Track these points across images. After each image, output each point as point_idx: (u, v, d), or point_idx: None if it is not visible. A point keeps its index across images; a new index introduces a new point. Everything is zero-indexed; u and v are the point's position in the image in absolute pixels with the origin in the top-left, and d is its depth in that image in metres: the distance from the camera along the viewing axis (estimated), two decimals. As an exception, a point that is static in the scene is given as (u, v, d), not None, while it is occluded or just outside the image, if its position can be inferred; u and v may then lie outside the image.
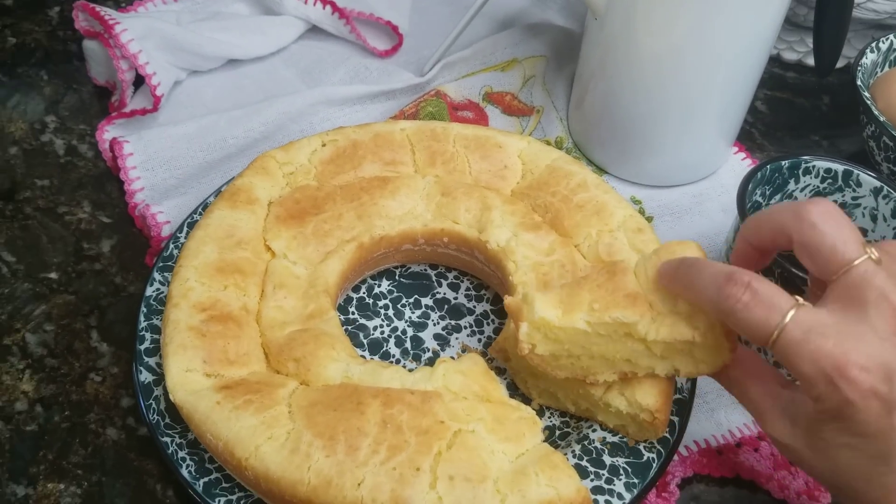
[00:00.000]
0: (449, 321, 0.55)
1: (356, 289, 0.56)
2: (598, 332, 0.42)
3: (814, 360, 0.34)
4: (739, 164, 0.67)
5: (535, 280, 0.50)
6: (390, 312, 0.55)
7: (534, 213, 0.54)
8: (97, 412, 0.49)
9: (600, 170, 0.65)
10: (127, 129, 0.64)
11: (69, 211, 0.60)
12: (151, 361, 0.48)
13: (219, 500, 0.43)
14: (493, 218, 0.53)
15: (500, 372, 0.52)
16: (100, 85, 0.69)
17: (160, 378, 0.47)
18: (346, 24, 0.72)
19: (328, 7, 0.71)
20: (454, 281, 0.57)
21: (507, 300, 0.44)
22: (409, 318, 0.54)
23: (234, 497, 0.44)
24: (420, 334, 0.54)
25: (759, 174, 0.51)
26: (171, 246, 0.54)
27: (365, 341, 0.53)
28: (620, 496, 0.44)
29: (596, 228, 0.52)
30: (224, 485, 0.44)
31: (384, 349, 0.53)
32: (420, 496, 0.39)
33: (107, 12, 0.64)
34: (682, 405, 0.47)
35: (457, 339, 0.54)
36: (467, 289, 0.57)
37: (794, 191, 0.54)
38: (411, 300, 0.56)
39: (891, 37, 0.67)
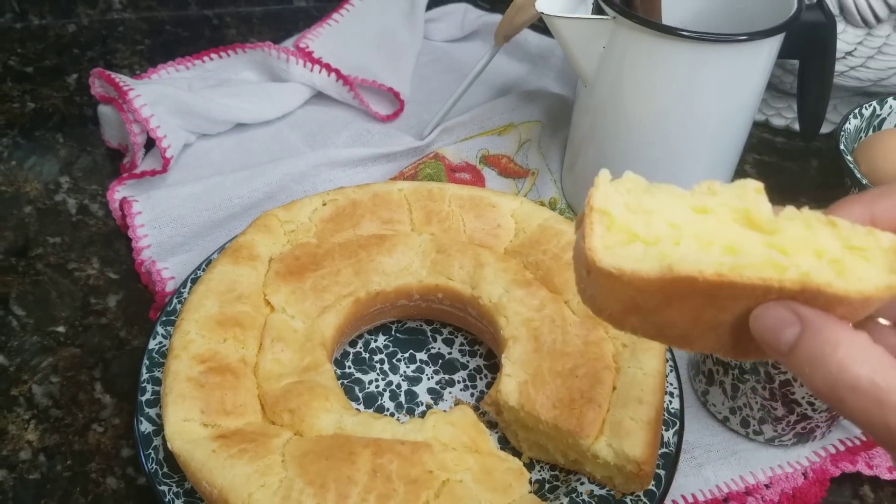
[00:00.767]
0: (443, 375, 0.56)
1: (353, 343, 0.57)
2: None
3: None
4: (729, 225, 0.69)
5: (526, 334, 0.51)
6: (385, 367, 0.56)
7: (525, 270, 0.55)
8: (98, 462, 0.51)
9: (593, 230, 0.67)
10: (137, 190, 0.66)
11: (78, 267, 0.62)
12: (152, 412, 0.49)
13: (212, 549, 0.44)
14: (486, 275, 0.54)
15: (491, 426, 0.53)
16: (112, 148, 0.72)
17: (160, 428, 0.48)
18: (350, 91, 0.75)
19: (333, 74, 0.75)
20: (449, 336, 0.58)
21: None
22: (404, 372, 0.56)
23: (227, 546, 0.45)
24: (414, 388, 0.55)
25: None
26: (175, 301, 0.55)
27: (360, 395, 0.54)
28: (607, 548, 0.45)
29: (585, 285, 0.54)
30: (218, 533, 0.45)
31: (379, 403, 0.54)
32: (407, 544, 0.40)
33: (121, 79, 0.68)
34: (668, 458, 0.48)
35: (450, 393, 0.55)
36: (461, 344, 0.58)
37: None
38: (406, 355, 0.57)
39: (873, 103, 0.69)
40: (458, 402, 0.54)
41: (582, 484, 0.48)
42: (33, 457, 0.51)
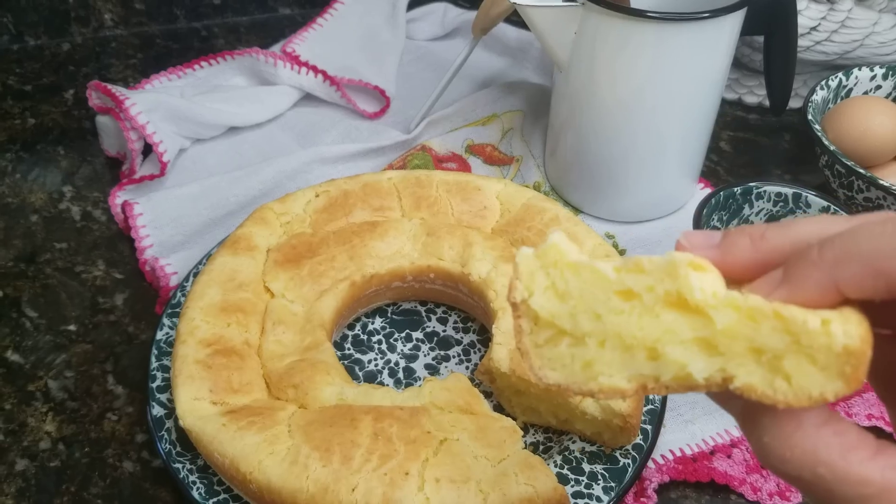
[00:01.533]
0: (438, 352, 0.59)
1: (351, 326, 0.60)
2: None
3: None
4: (707, 199, 0.72)
5: (513, 306, 0.54)
6: (383, 346, 0.59)
7: (512, 246, 0.58)
8: (114, 448, 0.53)
9: (576, 210, 0.70)
10: (137, 193, 0.69)
11: (85, 269, 0.65)
12: (163, 397, 0.52)
13: (227, 518, 0.47)
14: (475, 253, 0.57)
15: (486, 396, 0.55)
16: (111, 156, 0.75)
17: (171, 412, 0.51)
18: (337, 91, 0.78)
19: (320, 75, 0.78)
20: (443, 315, 0.61)
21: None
22: (402, 350, 0.59)
23: (240, 514, 0.47)
24: (412, 365, 0.58)
25: (713, 200, 0.56)
26: (179, 294, 0.58)
27: (360, 374, 0.57)
28: (599, 499, 0.47)
29: (568, 257, 0.57)
30: (232, 504, 0.48)
31: (378, 380, 0.57)
32: (409, 497, 0.42)
33: (117, 89, 0.71)
34: (654, 414, 0.51)
35: (446, 367, 0.58)
36: (455, 322, 0.61)
37: (749, 215, 0.58)
38: (403, 335, 0.60)
39: (839, 75, 0.72)
40: (453, 375, 0.57)
41: (574, 442, 0.51)
42: (53, 446, 0.53)
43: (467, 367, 0.58)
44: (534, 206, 0.60)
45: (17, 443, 0.53)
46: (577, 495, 0.48)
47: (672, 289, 0.25)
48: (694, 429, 0.55)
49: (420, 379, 0.57)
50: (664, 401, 0.52)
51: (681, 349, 0.25)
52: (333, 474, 0.43)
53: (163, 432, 0.50)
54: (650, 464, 0.52)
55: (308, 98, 0.80)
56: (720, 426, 0.55)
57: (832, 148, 0.65)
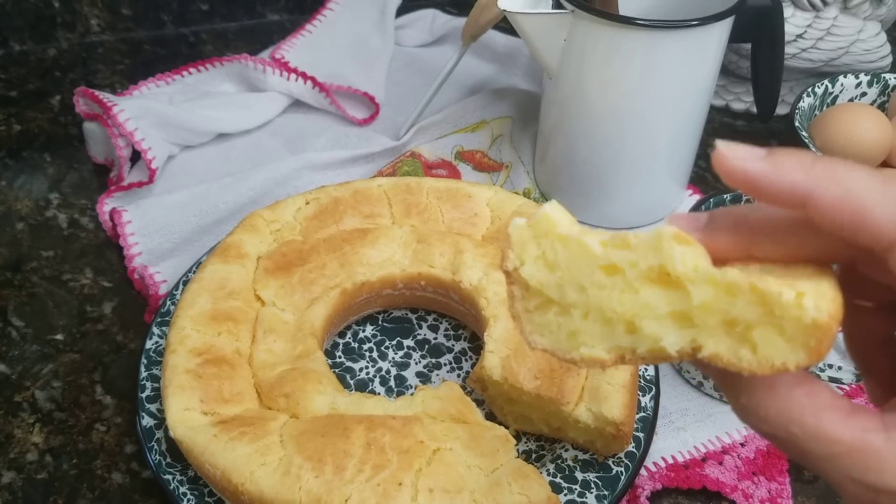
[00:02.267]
0: (430, 360, 0.58)
1: (342, 334, 0.60)
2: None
3: None
4: (696, 205, 0.72)
5: (505, 313, 0.54)
6: (375, 354, 0.59)
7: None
8: (103, 459, 0.53)
9: (566, 216, 0.70)
10: (125, 201, 0.69)
11: (73, 278, 0.64)
12: (152, 407, 0.52)
13: (218, 529, 0.47)
14: (466, 260, 0.57)
15: (478, 404, 0.55)
16: (99, 163, 0.74)
17: (161, 422, 0.50)
18: (327, 97, 0.78)
19: (309, 82, 0.77)
20: (433, 323, 0.61)
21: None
22: (393, 358, 0.58)
23: (232, 526, 0.47)
24: (403, 373, 0.58)
25: (702, 207, 0.56)
26: (168, 303, 0.58)
27: (352, 382, 0.57)
28: (592, 507, 0.48)
29: (559, 265, 0.57)
30: (223, 515, 0.47)
31: (370, 388, 0.56)
32: (403, 508, 0.42)
33: (105, 96, 0.70)
34: (646, 422, 0.51)
35: (437, 375, 0.58)
36: (446, 329, 0.61)
37: (739, 222, 0.59)
38: (394, 342, 0.60)
39: (825, 82, 0.73)
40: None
41: (566, 450, 0.51)
42: (40, 457, 0.53)
43: (459, 375, 0.58)
44: (524, 213, 0.60)
45: (4, 455, 0.53)
46: None
47: (655, 263, 0.26)
48: (686, 436, 0.55)
49: (411, 387, 0.57)
50: (656, 409, 0.52)
51: (656, 324, 0.27)
52: (326, 485, 0.43)
53: (152, 443, 0.50)
54: (642, 471, 0.52)
55: (297, 104, 0.80)
56: (711, 433, 0.55)
57: (819, 155, 0.65)
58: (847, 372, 0.53)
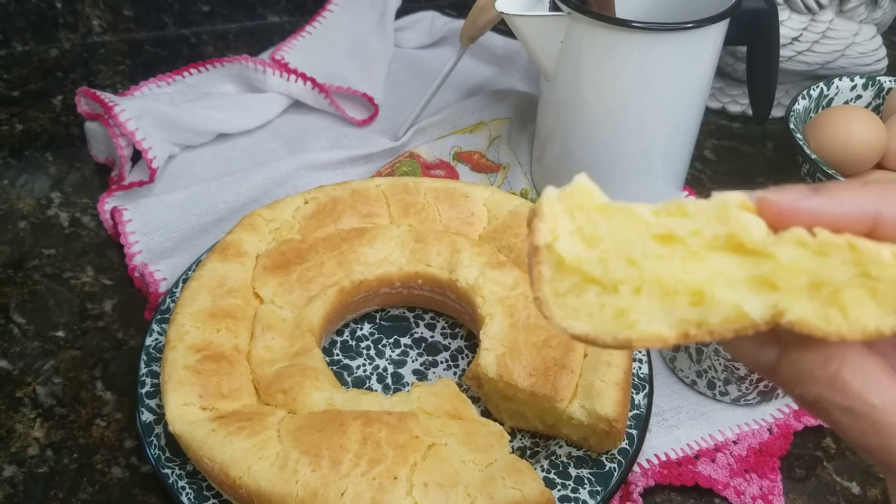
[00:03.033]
0: (427, 357, 0.59)
1: (339, 332, 0.60)
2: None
3: None
4: (691, 206, 0.73)
5: (501, 311, 0.54)
6: (372, 352, 0.59)
7: (499, 253, 0.59)
8: (103, 453, 0.53)
9: (563, 217, 0.71)
10: (126, 200, 0.69)
11: (74, 276, 0.65)
12: (152, 403, 0.52)
13: (216, 523, 0.47)
14: (462, 259, 0.58)
15: (474, 401, 0.56)
16: (100, 162, 0.75)
17: (160, 417, 0.51)
18: (326, 98, 0.79)
19: (309, 83, 0.78)
20: (430, 321, 0.62)
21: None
22: (390, 356, 0.59)
23: (230, 519, 0.47)
24: (400, 371, 0.58)
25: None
26: (168, 300, 0.58)
27: (349, 379, 0.57)
28: (585, 503, 0.48)
29: (555, 264, 0.57)
30: (221, 509, 0.48)
31: (367, 385, 0.57)
32: (398, 501, 0.43)
33: (106, 96, 0.71)
34: (639, 419, 0.52)
35: (434, 373, 0.58)
36: (443, 328, 0.61)
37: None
38: (391, 340, 0.60)
39: (821, 84, 0.73)
40: (441, 381, 0.57)
41: (560, 447, 0.52)
42: (41, 452, 0.53)
43: (455, 373, 0.58)
44: (521, 213, 0.61)
45: (5, 449, 0.53)
46: (563, 499, 0.48)
47: (721, 232, 0.25)
48: (679, 433, 0.55)
49: (408, 384, 0.57)
50: (649, 406, 0.53)
51: (730, 290, 0.24)
52: (322, 479, 0.43)
53: (152, 438, 0.50)
54: (636, 468, 0.53)
55: (297, 105, 0.80)
56: (704, 431, 0.55)
57: (813, 157, 0.66)
58: None
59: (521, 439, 0.54)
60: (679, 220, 0.25)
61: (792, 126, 0.69)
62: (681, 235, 0.25)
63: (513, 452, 0.47)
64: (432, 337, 0.61)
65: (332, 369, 0.57)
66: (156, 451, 0.50)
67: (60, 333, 0.61)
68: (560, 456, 0.51)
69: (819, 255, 0.24)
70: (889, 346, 0.27)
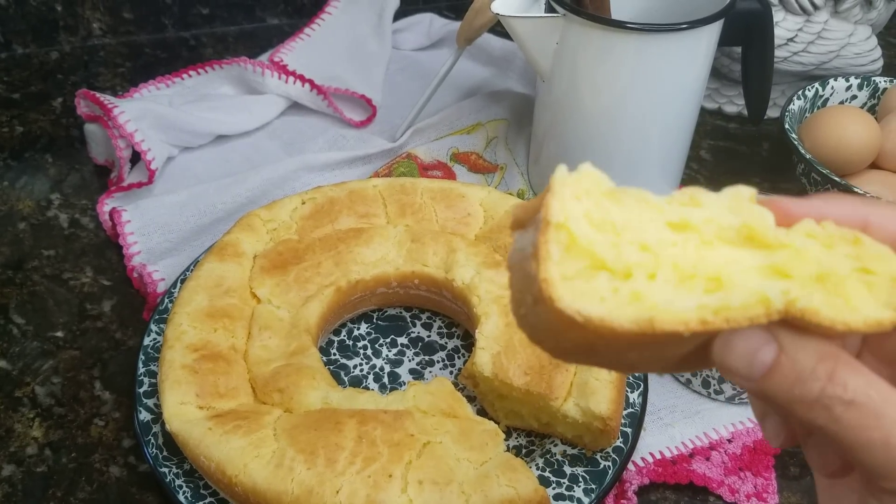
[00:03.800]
0: (423, 357, 0.59)
1: (336, 332, 0.61)
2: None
3: None
4: (687, 206, 0.73)
5: (497, 310, 0.55)
6: (369, 352, 0.60)
7: (495, 253, 0.59)
8: (101, 453, 0.54)
9: (559, 217, 0.71)
10: (125, 201, 0.70)
11: (73, 276, 0.65)
12: (150, 402, 0.53)
13: (213, 521, 0.48)
14: (458, 259, 0.58)
15: (470, 400, 0.56)
16: (99, 164, 0.75)
17: (158, 417, 0.51)
18: (324, 100, 0.79)
19: (307, 85, 0.79)
20: (427, 321, 0.62)
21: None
22: (387, 356, 0.59)
23: (226, 517, 0.48)
24: (397, 370, 0.58)
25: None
26: (166, 300, 0.59)
27: (346, 379, 0.58)
28: (580, 501, 0.48)
29: (550, 264, 0.57)
30: (218, 507, 0.48)
31: (363, 385, 0.57)
32: (392, 499, 0.43)
33: (106, 98, 0.71)
34: (634, 417, 0.52)
35: (431, 372, 0.59)
36: (439, 327, 0.62)
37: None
38: (388, 340, 0.60)
39: (816, 85, 0.74)
40: (437, 380, 0.58)
41: (556, 445, 0.52)
42: (39, 451, 0.54)
43: (451, 372, 0.59)
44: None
45: (4, 448, 0.54)
46: (558, 497, 0.48)
47: (735, 222, 0.25)
48: (673, 432, 0.56)
49: (405, 384, 0.57)
50: (644, 405, 0.53)
51: (748, 276, 0.24)
52: (318, 477, 0.44)
53: (149, 437, 0.51)
54: (630, 466, 0.53)
55: (295, 107, 0.81)
56: (699, 429, 0.56)
57: (808, 156, 0.66)
58: None
59: (516, 438, 0.54)
60: (693, 209, 0.25)
61: (787, 126, 0.69)
62: (695, 223, 0.25)
63: (508, 451, 0.48)
64: (429, 336, 0.61)
65: (329, 369, 0.57)
66: (153, 450, 0.50)
67: (59, 334, 0.61)
68: (555, 454, 0.51)
69: (826, 246, 0.24)
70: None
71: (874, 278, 0.24)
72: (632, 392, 0.53)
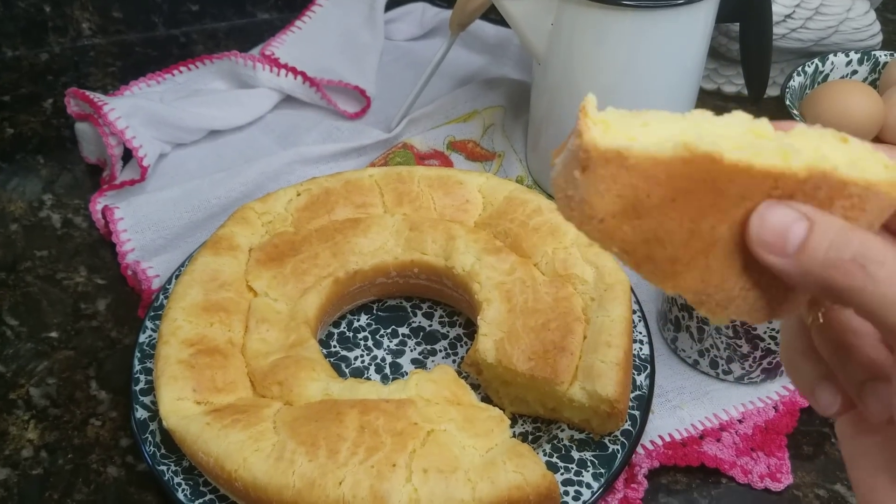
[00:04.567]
0: (425, 346, 0.58)
1: (336, 324, 0.60)
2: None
3: None
4: (689, 188, 0.72)
5: (499, 297, 0.54)
6: (370, 343, 0.58)
7: (495, 239, 0.58)
8: (98, 453, 0.53)
9: (559, 202, 0.70)
10: (117, 199, 0.69)
11: (67, 276, 0.64)
12: (146, 400, 0.52)
13: (214, 518, 0.46)
14: (458, 246, 0.57)
15: (474, 388, 0.55)
16: (91, 163, 0.74)
17: (155, 414, 0.50)
18: (317, 92, 0.78)
19: (299, 77, 0.77)
20: (428, 310, 0.61)
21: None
22: (388, 346, 0.58)
23: (227, 514, 0.47)
24: (398, 360, 0.57)
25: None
26: (161, 297, 0.58)
27: (347, 371, 0.57)
28: (589, 486, 0.47)
29: (551, 247, 0.56)
30: (218, 504, 0.47)
31: (365, 376, 0.56)
32: (397, 489, 0.42)
33: (95, 95, 0.70)
34: (642, 400, 0.51)
35: (433, 361, 0.57)
36: (441, 316, 0.60)
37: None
38: (389, 330, 0.59)
39: (815, 61, 0.73)
40: (440, 369, 0.57)
41: (562, 431, 0.51)
42: (35, 453, 0.53)
43: (454, 361, 0.57)
44: (516, 198, 0.60)
45: None
46: (567, 482, 0.47)
47: (741, 131, 0.27)
48: (682, 414, 0.54)
49: (406, 374, 0.56)
50: (651, 387, 0.52)
51: (769, 144, 0.27)
52: (320, 468, 0.43)
53: (147, 435, 0.50)
54: (640, 450, 0.52)
55: (288, 100, 0.80)
56: (709, 411, 0.54)
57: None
58: None
59: (522, 424, 0.53)
60: (704, 122, 0.28)
61: (788, 102, 0.68)
62: (708, 130, 0.27)
63: (514, 437, 0.46)
64: (430, 326, 0.60)
65: (329, 361, 0.56)
66: (151, 448, 0.49)
67: (54, 334, 0.60)
68: (562, 439, 0.50)
69: (819, 139, 0.28)
70: None
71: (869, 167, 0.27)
72: (639, 374, 0.52)
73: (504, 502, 0.42)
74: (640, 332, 0.55)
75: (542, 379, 0.49)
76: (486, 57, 0.88)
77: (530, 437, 0.52)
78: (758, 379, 0.55)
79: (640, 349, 0.54)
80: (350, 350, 0.58)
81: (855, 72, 0.74)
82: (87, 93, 0.71)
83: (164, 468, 0.48)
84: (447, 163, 0.73)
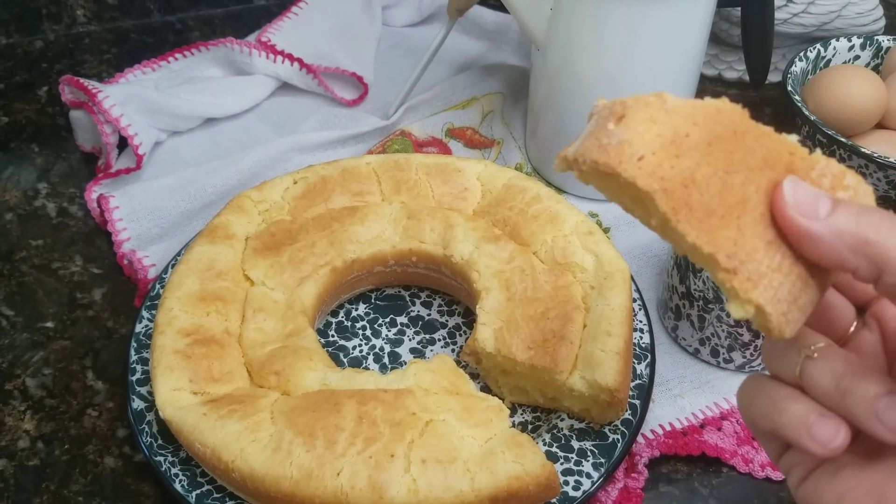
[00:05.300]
0: (424, 336, 0.58)
1: (334, 314, 0.59)
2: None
3: None
4: (690, 175, 0.71)
5: (498, 285, 0.53)
6: (368, 332, 0.58)
7: (494, 227, 0.57)
8: (95, 444, 0.52)
9: (559, 190, 0.69)
10: (113, 187, 0.68)
11: (62, 266, 0.64)
12: (143, 390, 0.51)
13: (211, 509, 0.46)
14: (456, 234, 0.56)
15: (473, 378, 0.55)
16: (86, 152, 0.73)
17: (152, 404, 0.50)
18: (314, 79, 0.77)
19: (296, 64, 0.77)
20: (427, 299, 0.60)
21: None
22: (386, 336, 0.58)
23: (225, 505, 0.46)
24: (397, 350, 0.57)
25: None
26: (158, 286, 0.57)
27: (345, 360, 0.56)
28: (589, 476, 0.47)
29: (551, 235, 0.56)
30: (215, 495, 0.47)
31: (363, 366, 0.56)
32: (395, 479, 0.42)
33: (90, 83, 0.70)
34: (642, 389, 0.50)
35: (432, 351, 0.57)
36: (439, 305, 0.60)
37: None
38: (387, 320, 0.59)
39: (817, 46, 0.72)
40: (439, 358, 0.56)
41: (562, 420, 0.50)
42: (31, 444, 0.52)
43: (453, 350, 0.57)
44: (515, 185, 0.60)
45: (-4, 442, 0.52)
46: (567, 472, 0.47)
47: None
48: (683, 403, 0.54)
49: (405, 364, 0.56)
50: (651, 376, 0.51)
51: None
52: (317, 459, 0.42)
53: (143, 426, 0.49)
54: (640, 439, 0.51)
55: (285, 87, 0.79)
56: (709, 399, 0.54)
57: (812, 118, 0.64)
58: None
59: (521, 414, 0.53)
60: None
61: (790, 88, 0.67)
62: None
63: (514, 427, 0.46)
64: (429, 315, 0.59)
65: (327, 351, 0.56)
66: (148, 438, 0.49)
67: (50, 324, 0.59)
68: (562, 429, 0.50)
69: None
70: None
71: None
72: (639, 363, 0.52)
73: (503, 492, 0.42)
74: (641, 321, 0.54)
75: (542, 368, 0.48)
76: (484, 43, 0.87)
77: (530, 427, 0.52)
78: (759, 367, 0.55)
79: (641, 338, 0.53)
80: (348, 339, 0.58)
81: (857, 57, 0.73)
82: (82, 80, 0.70)
83: (161, 459, 0.48)
84: (445, 150, 0.73)
